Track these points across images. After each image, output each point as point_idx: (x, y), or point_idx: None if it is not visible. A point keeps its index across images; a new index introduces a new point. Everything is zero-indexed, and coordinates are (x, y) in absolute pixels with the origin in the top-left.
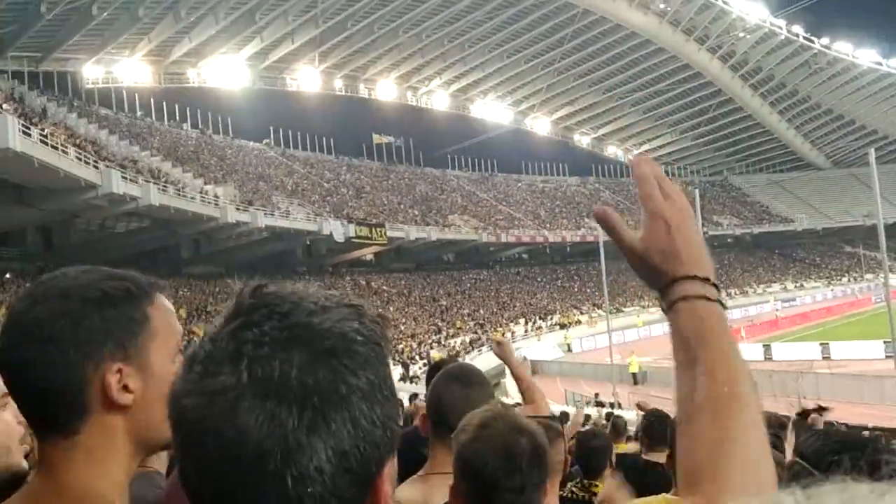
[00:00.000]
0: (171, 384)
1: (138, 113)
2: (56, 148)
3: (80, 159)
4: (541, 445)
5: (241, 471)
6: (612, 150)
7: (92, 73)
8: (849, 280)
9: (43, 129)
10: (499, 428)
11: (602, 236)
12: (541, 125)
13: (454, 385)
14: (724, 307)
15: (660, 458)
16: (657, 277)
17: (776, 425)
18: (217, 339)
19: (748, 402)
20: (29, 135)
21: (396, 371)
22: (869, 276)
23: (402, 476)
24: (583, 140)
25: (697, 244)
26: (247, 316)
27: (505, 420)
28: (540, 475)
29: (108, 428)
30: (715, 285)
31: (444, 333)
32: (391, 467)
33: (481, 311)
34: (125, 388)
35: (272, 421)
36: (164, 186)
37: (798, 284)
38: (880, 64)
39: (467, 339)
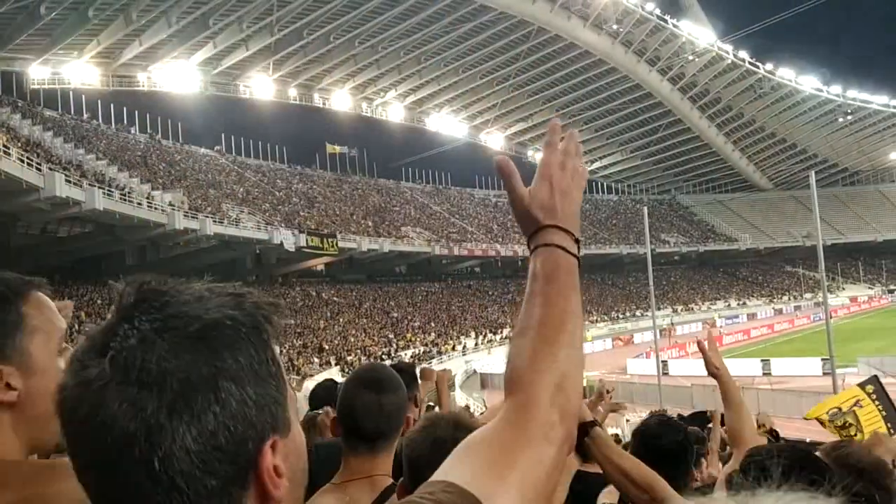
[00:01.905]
0: (58, 379)
1: (85, 115)
2: None
3: (22, 161)
4: None
5: (112, 457)
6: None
7: (38, 73)
8: (789, 299)
9: None
10: (439, 425)
11: None
12: (494, 140)
13: (366, 393)
14: (579, 262)
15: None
16: (532, 224)
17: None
18: (94, 335)
19: (572, 330)
20: None
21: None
22: (808, 295)
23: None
24: (536, 156)
25: (573, 207)
26: (125, 312)
27: (447, 419)
28: None
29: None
30: (577, 242)
31: (395, 346)
32: (287, 446)
33: (432, 324)
34: (7, 386)
35: (133, 406)
36: (110, 191)
37: (741, 302)
38: (821, 90)
39: (418, 352)
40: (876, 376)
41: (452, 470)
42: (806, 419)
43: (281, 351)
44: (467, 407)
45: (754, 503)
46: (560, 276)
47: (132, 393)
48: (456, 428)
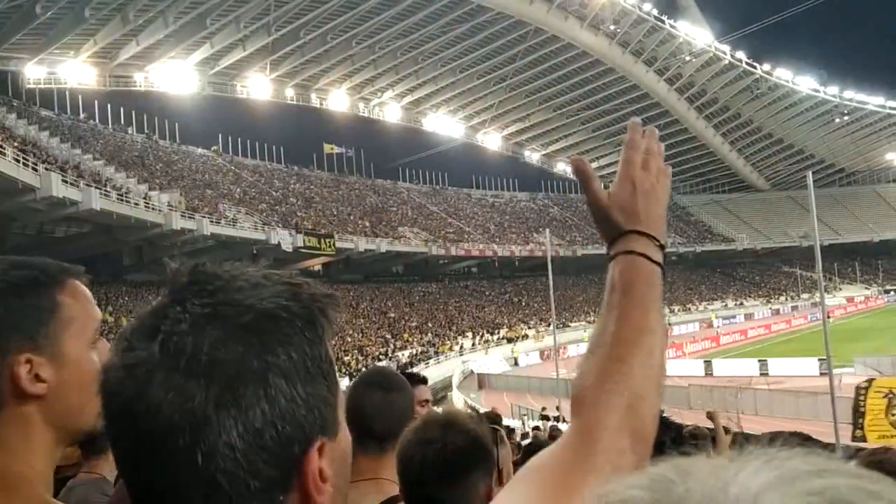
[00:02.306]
0: (91, 370)
1: (81, 115)
2: None
3: (17, 161)
4: (473, 443)
5: (154, 446)
6: (562, 167)
7: (34, 73)
8: (786, 299)
9: None
10: (431, 425)
11: (550, 251)
12: (492, 140)
13: (375, 392)
14: (663, 270)
15: None
16: (612, 229)
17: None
18: (143, 316)
19: (650, 349)
20: None
21: (342, 384)
22: (805, 295)
23: None
24: (533, 156)
25: (658, 210)
26: (177, 294)
27: (439, 419)
28: (469, 472)
29: (23, 419)
30: (662, 248)
31: (392, 346)
32: (335, 451)
33: (430, 324)
34: (37, 377)
35: (180, 395)
36: (107, 191)
37: (738, 302)
38: (818, 91)
39: (415, 352)
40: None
41: (507, 499)
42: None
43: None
44: (474, 409)
45: (743, 460)
46: (639, 288)
47: (180, 381)
48: (446, 429)
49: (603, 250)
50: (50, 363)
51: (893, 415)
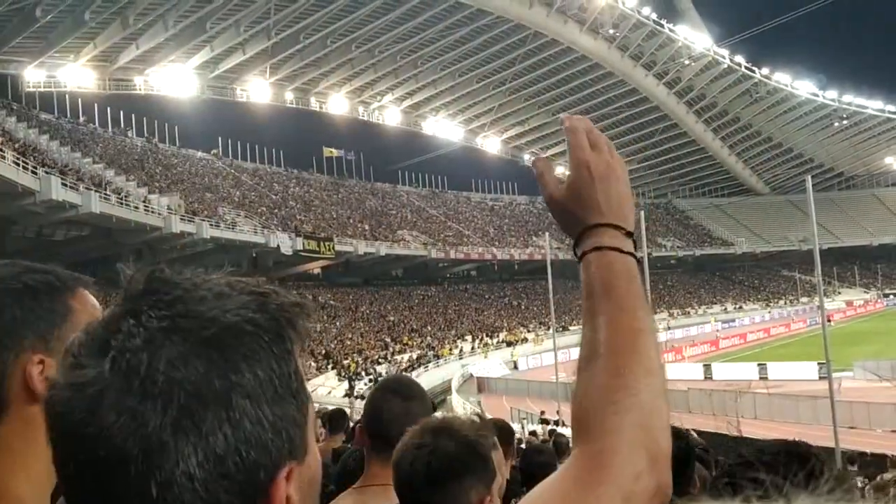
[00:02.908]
0: None
1: (81, 119)
2: None
3: (17, 164)
4: (465, 449)
5: (104, 473)
6: (561, 171)
7: (34, 76)
8: (785, 303)
9: None
10: (425, 431)
11: (549, 255)
12: (491, 144)
13: (394, 399)
14: (637, 259)
15: None
16: (575, 224)
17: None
18: (93, 328)
19: (647, 353)
20: None
21: (341, 387)
22: (804, 299)
23: None
24: (532, 160)
25: (620, 196)
26: (131, 303)
27: (431, 426)
28: (459, 478)
29: (29, 421)
30: (631, 235)
31: (392, 349)
32: (301, 474)
33: (429, 328)
34: (47, 379)
35: (134, 419)
36: (106, 194)
37: (737, 306)
38: (817, 95)
39: (414, 356)
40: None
41: None
42: None
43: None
44: (478, 415)
45: None
46: (619, 285)
47: (133, 403)
48: (437, 434)
49: None
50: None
51: None
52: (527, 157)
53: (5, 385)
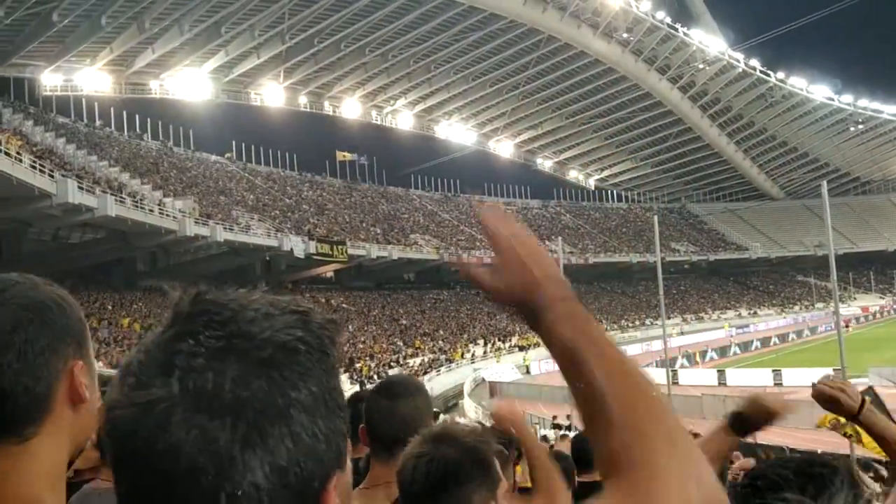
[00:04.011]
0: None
1: (97, 122)
2: (10, 155)
3: (34, 167)
4: (467, 456)
5: (173, 487)
6: (574, 175)
7: (50, 80)
8: (800, 308)
9: None
10: (425, 439)
11: (562, 259)
12: (504, 148)
13: (380, 400)
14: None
15: (593, 479)
16: (528, 311)
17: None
18: (150, 348)
19: (646, 385)
20: None
21: (353, 391)
22: (820, 304)
23: None
24: (545, 164)
25: (549, 266)
26: (183, 325)
27: (432, 433)
28: (460, 486)
29: (62, 426)
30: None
31: (404, 353)
32: (342, 481)
33: (441, 331)
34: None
35: (205, 435)
36: (122, 198)
37: (752, 311)
38: (832, 99)
39: (426, 360)
40: (871, 387)
41: None
42: (817, 427)
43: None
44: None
45: None
46: (593, 336)
47: (203, 420)
48: (437, 442)
49: (616, 258)
50: (87, 371)
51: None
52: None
53: (53, 391)
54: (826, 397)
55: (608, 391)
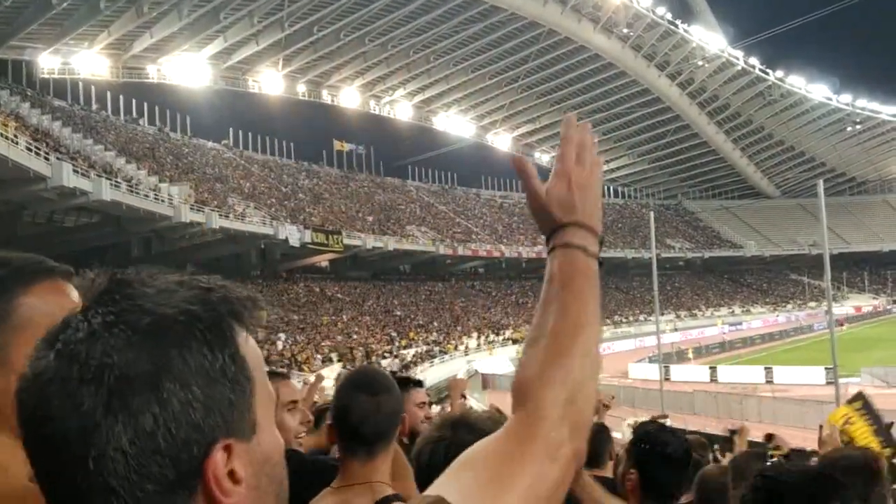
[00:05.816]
0: None
1: (94, 106)
2: (6, 137)
3: (30, 150)
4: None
5: (52, 454)
6: (548, 159)
7: (48, 63)
8: (793, 307)
9: None
10: (443, 426)
11: None
12: (502, 141)
13: (361, 395)
14: (600, 263)
15: (601, 474)
16: (550, 221)
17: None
18: (52, 326)
19: (586, 342)
20: None
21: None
22: (812, 303)
23: None
24: (543, 158)
25: (593, 203)
26: (90, 303)
27: (451, 420)
28: None
29: None
30: (601, 240)
31: (397, 344)
32: (252, 451)
33: (435, 323)
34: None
35: (73, 402)
36: (117, 182)
37: (745, 309)
38: (830, 99)
39: (420, 351)
40: (861, 392)
41: (446, 485)
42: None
43: (277, 344)
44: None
45: None
46: (577, 281)
47: (72, 388)
48: (456, 427)
49: (611, 254)
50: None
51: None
52: (510, 153)
53: None
54: None
55: (550, 329)
